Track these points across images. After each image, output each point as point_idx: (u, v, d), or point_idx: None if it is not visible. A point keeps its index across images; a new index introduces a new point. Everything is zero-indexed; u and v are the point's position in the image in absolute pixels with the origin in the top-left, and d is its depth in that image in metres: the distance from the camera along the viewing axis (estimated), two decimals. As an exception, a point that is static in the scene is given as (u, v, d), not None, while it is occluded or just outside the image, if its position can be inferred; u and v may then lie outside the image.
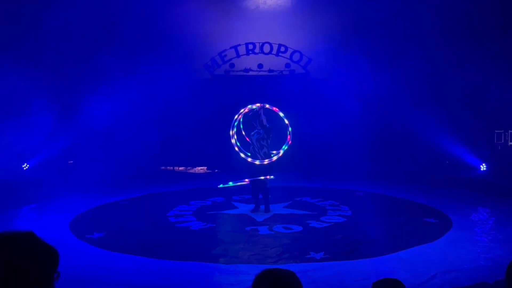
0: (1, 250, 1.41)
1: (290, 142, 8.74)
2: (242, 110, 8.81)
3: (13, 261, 1.40)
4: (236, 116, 8.80)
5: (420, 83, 14.07)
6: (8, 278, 1.39)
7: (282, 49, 14.46)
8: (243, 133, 9.07)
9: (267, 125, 8.66)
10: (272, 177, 8.72)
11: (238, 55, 14.53)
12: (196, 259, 6.02)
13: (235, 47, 14.44)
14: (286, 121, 8.77)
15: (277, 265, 5.75)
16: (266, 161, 8.53)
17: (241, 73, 14.71)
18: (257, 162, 8.52)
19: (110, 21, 13.46)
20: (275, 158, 8.58)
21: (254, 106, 8.73)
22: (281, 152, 8.63)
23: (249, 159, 8.58)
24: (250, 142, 8.83)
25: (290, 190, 10.70)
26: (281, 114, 8.76)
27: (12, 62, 12.03)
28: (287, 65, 14.61)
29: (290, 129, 8.75)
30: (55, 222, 7.94)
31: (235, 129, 8.78)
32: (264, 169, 8.57)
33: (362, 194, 10.71)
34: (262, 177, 8.55)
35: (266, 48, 14.47)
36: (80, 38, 13.11)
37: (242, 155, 8.71)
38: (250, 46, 14.48)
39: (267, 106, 8.72)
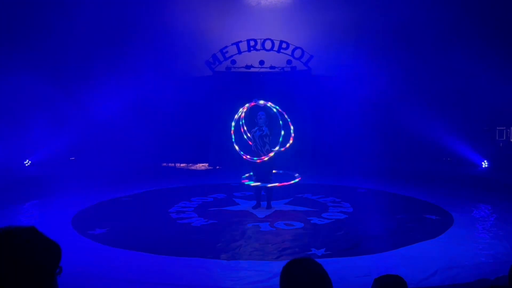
0: (3, 245, 1.41)
1: (291, 140, 8.67)
2: (241, 110, 8.64)
3: (15, 256, 1.41)
4: (236, 116, 8.67)
5: (422, 80, 14.06)
6: (10, 273, 1.39)
7: (284, 45, 14.42)
8: (244, 134, 8.93)
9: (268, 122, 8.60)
10: (298, 177, 8.78)
11: (239, 52, 14.50)
12: (197, 255, 6.02)
13: (237, 44, 14.41)
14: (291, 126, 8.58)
15: (278, 261, 5.76)
16: (266, 158, 8.48)
17: (243, 69, 14.69)
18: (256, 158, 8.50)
19: (110, 20, 13.45)
20: (271, 154, 8.47)
21: (258, 103, 8.60)
22: (274, 150, 8.48)
23: (247, 156, 8.54)
24: (251, 139, 8.75)
25: (291, 186, 10.67)
26: (286, 116, 8.51)
27: (13, 61, 12.05)
28: (289, 62, 14.58)
29: (292, 132, 8.61)
30: (57, 218, 7.95)
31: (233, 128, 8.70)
32: (267, 166, 8.56)
33: (363, 190, 10.71)
34: (297, 177, 8.60)
35: (268, 45, 14.44)
36: (83, 36, 13.13)
37: (238, 150, 8.63)
38: (252, 43, 14.44)
39: (261, 102, 8.50)
